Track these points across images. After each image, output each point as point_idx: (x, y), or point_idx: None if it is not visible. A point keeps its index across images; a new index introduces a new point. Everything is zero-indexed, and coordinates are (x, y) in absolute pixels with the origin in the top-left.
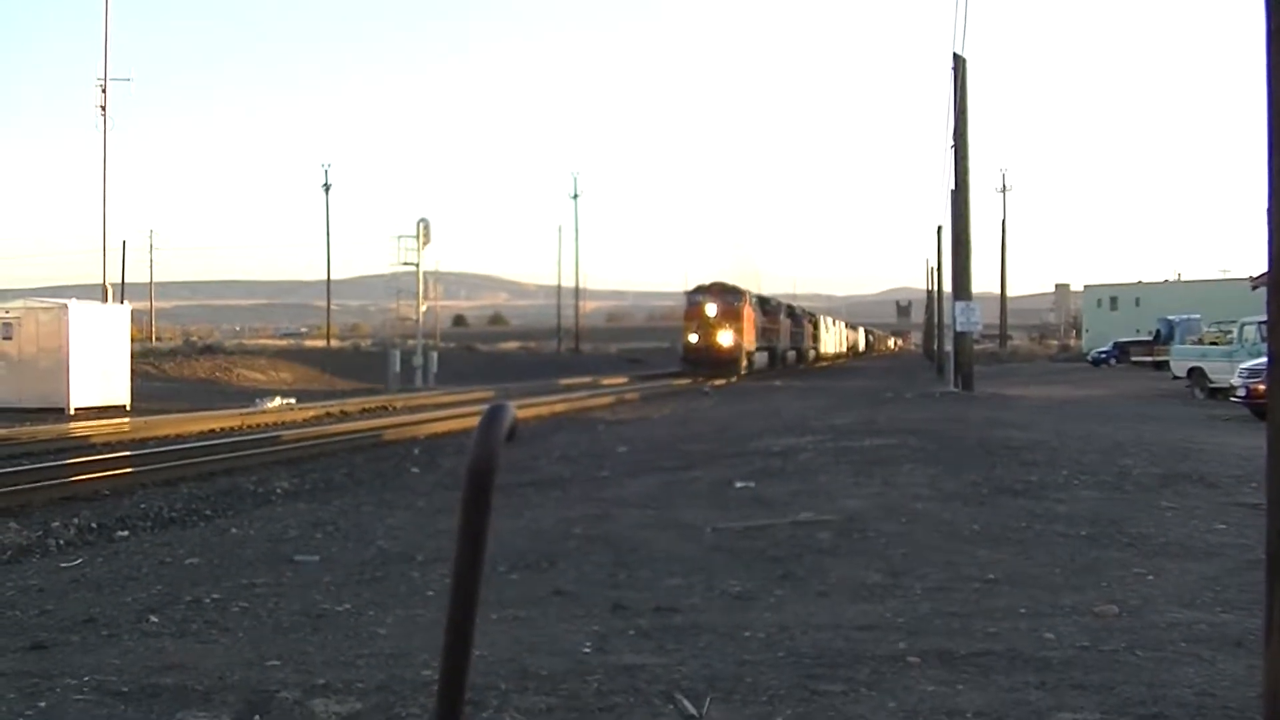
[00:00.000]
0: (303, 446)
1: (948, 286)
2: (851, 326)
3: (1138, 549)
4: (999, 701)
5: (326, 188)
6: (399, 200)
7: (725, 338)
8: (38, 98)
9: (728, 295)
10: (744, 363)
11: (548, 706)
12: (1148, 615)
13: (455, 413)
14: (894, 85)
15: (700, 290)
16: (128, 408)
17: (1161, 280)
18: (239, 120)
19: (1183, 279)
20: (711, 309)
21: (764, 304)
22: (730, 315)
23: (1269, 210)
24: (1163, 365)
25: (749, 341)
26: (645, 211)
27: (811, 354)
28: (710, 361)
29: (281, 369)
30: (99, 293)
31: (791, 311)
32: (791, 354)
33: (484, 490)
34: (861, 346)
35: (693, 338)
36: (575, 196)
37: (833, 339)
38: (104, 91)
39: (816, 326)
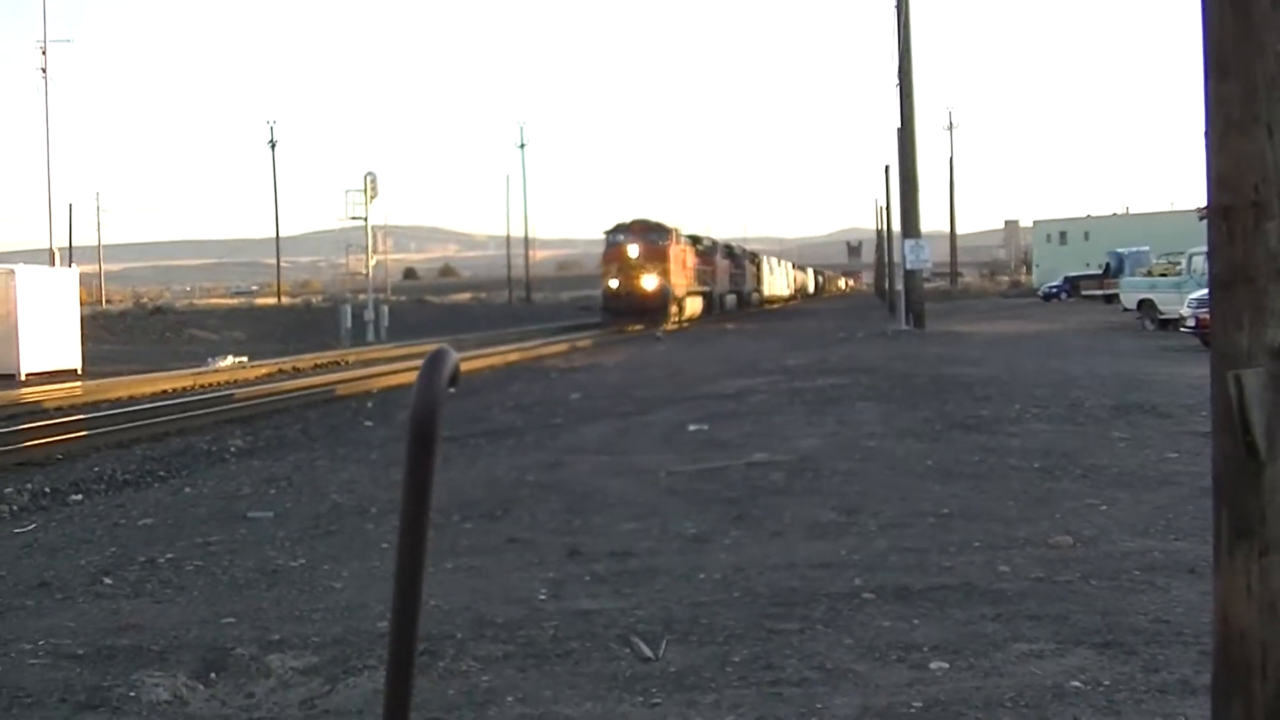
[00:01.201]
0: (256, 404)
1: (897, 226)
2: (800, 268)
3: (1091, 480)
4: (955, 635)
5: (272, 145)
6: (347, 155)
7: (649, 281)
8: None
9: (651, 234)
10: (672, 308)
11: (504, 654)
12: (1102, 545)
13: (408, 366)
14: (839, 24)
15: (620, 229)
16: (79, 371)
17: (1110, 214)
18: (183, 79)
19: (1131, 212)
20: (633, 250)
21: (696, 243)
22: (655, 256)
23: (1206, 136)
24: (1113, 298)
25: (678, 285)
26: (593, 159)
27: (755, 297)
28: (633, 308)
29: (233, 328)
30: (46, 257)
31: (730, 251)
32: (731, 298)
33: (428, 436)
34: (811, 288)
35: (613, 283)
36: (522, 146)
37: (778, 281)
38: (44, 54)
39: (760, 267)
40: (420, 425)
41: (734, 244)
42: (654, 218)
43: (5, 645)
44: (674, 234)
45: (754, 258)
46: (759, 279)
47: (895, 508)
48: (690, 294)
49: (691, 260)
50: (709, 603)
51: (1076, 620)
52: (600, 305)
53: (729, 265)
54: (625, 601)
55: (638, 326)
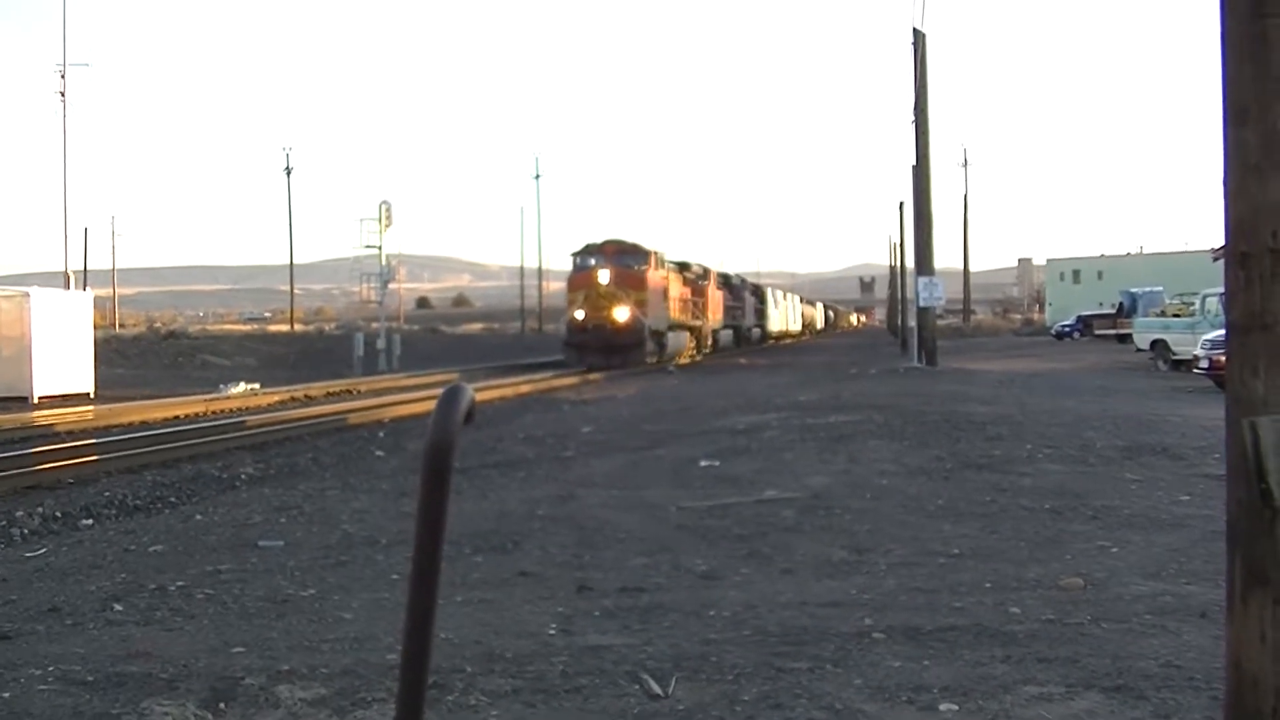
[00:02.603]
0: (267, 431)
1: (911, 262)
2: (809, 302)
3: (1102, 521)
4: (965, 676)
5: (288, 172)
6: (362, 184)
7: (622, 313)
8: None
9: (626, 257)
10: (648, 345)
11: (513, 688)
12: (1113, 588)
13: (419, 395)
14: (856, 63)
15: (589, 251)
16: (92, 395)
17: (1124, 253)
18: (200, 105)
19: (1145, 251)
20: (604, 275)
21: (684, 269)
22: (630, 283)
23: (1225, 182)
24: (1126, 338)
25: (658, 317)
26: (608, 192)
27: (756, 333)
28: (602, 345)
29: (246, 354)
30: (61, 280)
31: (727, 281)
32: (727, 334)
33: (443, 471)
34: (821, 324)
35: (578, 314)
36: (537, 177)
37: (785, 315)
38: (63, 77)
39: (763, 301)
40: (435, 459)
41: (733, 274)
42: (630, 238)
43: (15, 670)
44: (654, 258)
45: (757, 290)
46: (762, 313)
47: (906, 547)
48: (674, 328)
49: (677, 289)
50: (719, 640)
51: (1087, 663)
52: (563, 340)
53: (725, 297)
54: (635, 638)
55: (605, 369)
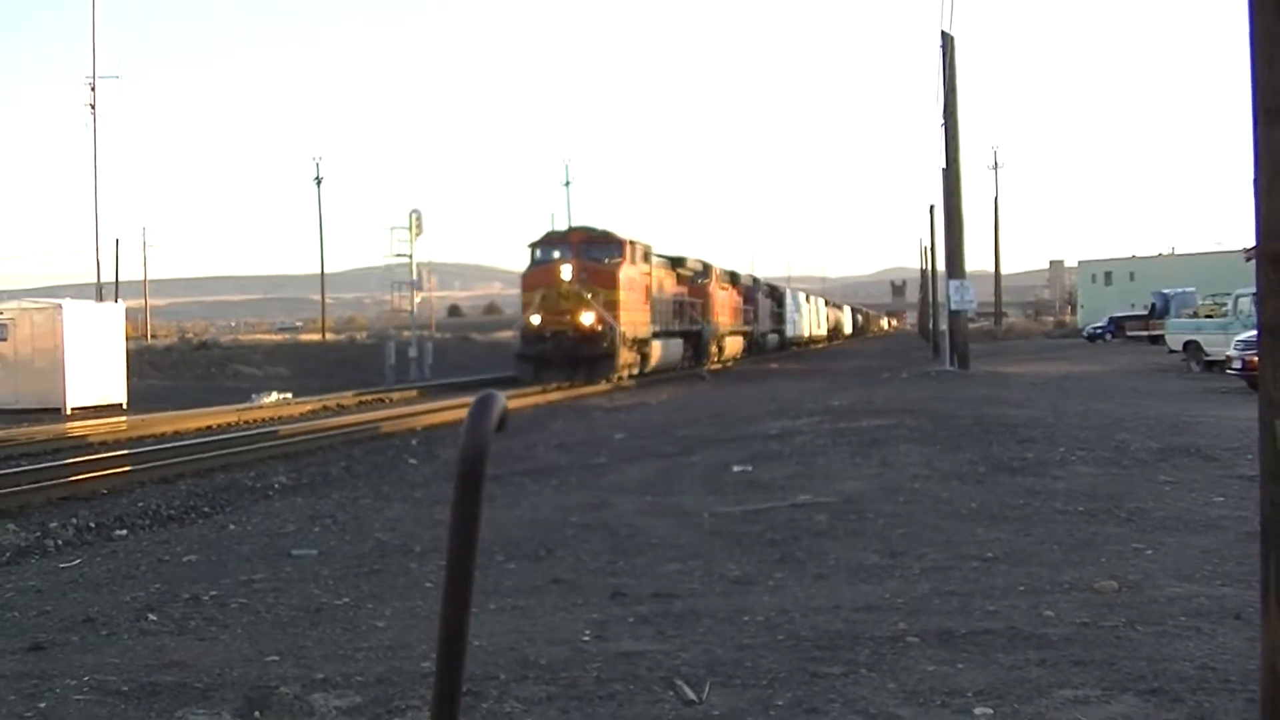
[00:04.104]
0: (300, 441)
1: (942, 265)
2: (836, 305)
3: (1136, 524)
4: (1000, 680)
5: (318, 181)
6: (392, 192)
7: (588, 316)
8: (28, 97)
9: (596, 248)
10: (623, 356)
11: (548, 695)
12: (1147, 590)
13: (451, 403)
14: (885, 65)
15: (550, 241)
16: (124, 406)
17: (1156, 254)
18: (230, 115)
19: (1177, 252)
20: (566, 270)
21: (675, 265)
22: (600, 279)
23: (1255, 182)
24: (1158, 339)
25: (636, 322)
26: (638, 197)
27: (773, 339)
28: (563, 357)
29: (278, 364)
30: (93, 292)
31: (735, 280)
32: (736, 341)
33: (476, 479)
34: (849, 328)
35: (534, 318)
36: (567, 184)
37: (809, 320)
38: (93, 89)
39: (781, 304)
40: (468, 467)
41: (743, 273)
42: (599, 225)
43: (50, 681)
44: (631, 249)
45: (774, 291)
46: (781, 317)
47: (939, 551)
48: (663, 335)
49: (665, 288)
50: (753, 645)
51: (1122, 666)
52: (515, 352)
53: (732, 298)
54: (669, 644)
55: (567, 385)
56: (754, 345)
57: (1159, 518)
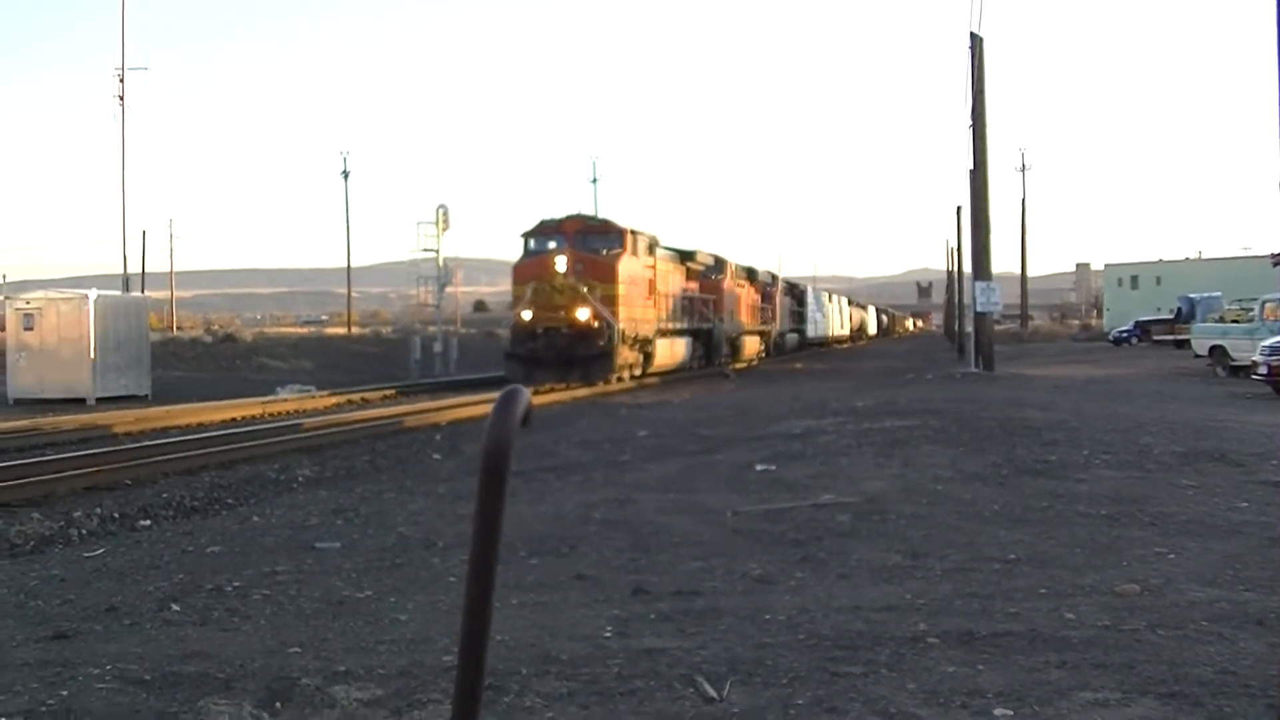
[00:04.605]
0: (324, 434)
1: (968, 267)
2: (860, 305)
3: (1159, 528)
4: (1020, 682)
5: (345, 175)
6: (419, 187)
7: (583, 312)
8: (56, 89)
9: (594, 238)
10: (621, 356)
11: (569, 690)
12: (1169, 594)
13: (476, 398)
14: (914, 67)
15: (544, 230)
16: (149, 397)
17: (1182, 258)
18: (258, 108)
19: (1204, 257)
20: (561, 262)
21: (684, 259)
22: (598, 272)
23: None
24: (1184, 344)
25: (638, 319)
26: (664, 195)
27: (792, 338)
28: (557, 355)
29: (302, 357)
30: (120, 282)
31: (753, 276)
32: (751, 341)
33: (499, 474)
34: (873, 329)
35: (525, 314)
36: (594, 181)
37: (831, 319)
38: (121, 81)
39: (802, 302)
40: (492, 462)
41: (761, 269)
42: (599, 214)
43: (73, 669)
44: (630, 239)
45: (793, 289)
46: (801, 316)
47: (961, 552)
48: (669, 334)
49: (672, 283)
50: (774, 644)
51: (1142, 669)
52: (505, 351)
53: (748, 295)
54: (690, 641)
55: (561, 388)
56: (772, 345)
57: (1182, 522)
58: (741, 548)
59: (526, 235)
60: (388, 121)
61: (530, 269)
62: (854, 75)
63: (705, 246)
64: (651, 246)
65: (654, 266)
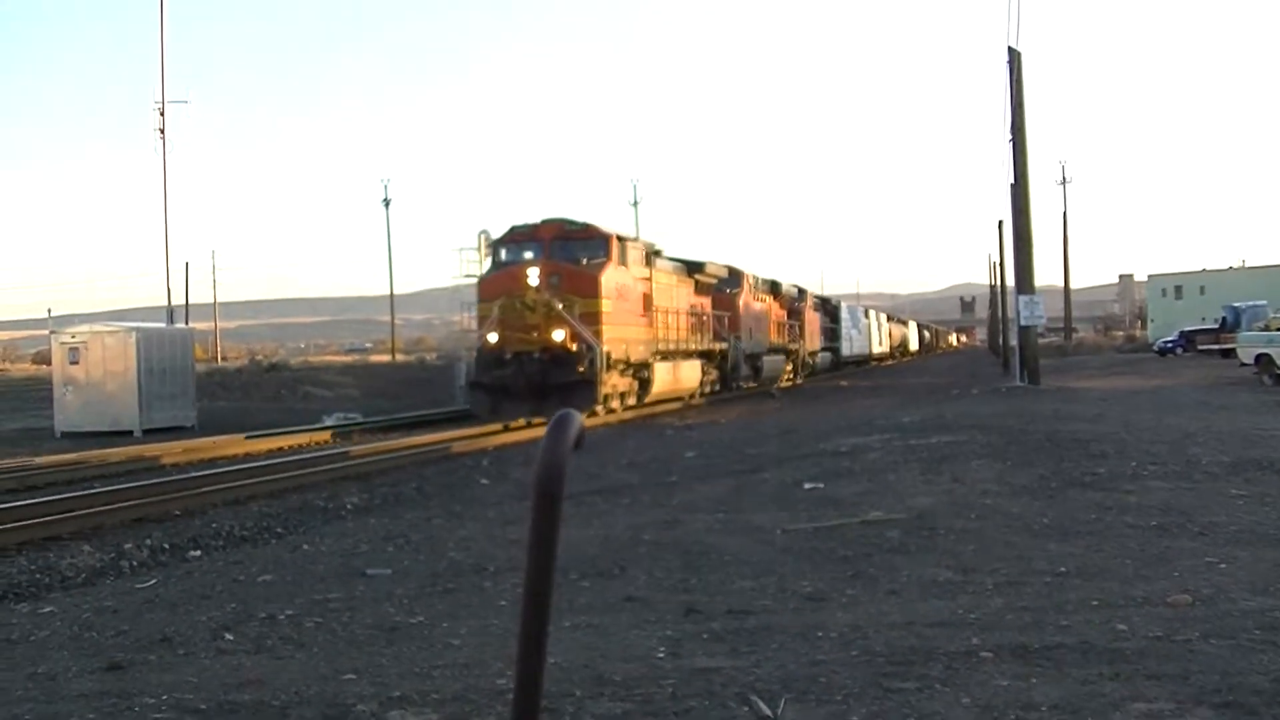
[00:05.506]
0: (371, 461)
1: (1011, 281)
2: (900, 321)
3: (1209, 538)
4: (1074, 694)
5: (386, 203)
6: (460, 213)
7: (559, 333)
8: (99, 123)
9: (574, 245)
10: (607, 383)
11: (623, 712)
12: (1221, 604)
13: (520, 423)
14: (953, 81)
15: (516, 238)
16: (195, 428)
17: (1226, 267)
18: (298, 138)
19: (1247, 265)
20: (533, 274)
21: (695, 271)
22: (578, 286)
23: None
24: (1229, 353)
25: (630, 339)
26: (705, 216)
27: (824, 358)
28: (528, 383)
29: (347, 385)
30: (163, 314)
31: (776, 290)
32: (775, 359)
33: (553, 498)
34: (914, 344)
35: (493, 335)
36: (635, 204)
37: (866, 336)
38: (162, 114)
39: (836, 319)
40: (545, 486)
41: (785, 282)
42: (579, 217)
43: (129, 699)
44: (617, 246)
45: (826, 305)
46: (835, 333)
47: (1012, 566)
48: (667, 356)
49: (672, 297)
50: (827, 661)
51: (1196, 680)
52: (468, 379)
53: (772, 311)
54: (743, 660)
55: (538, 422)
56: (801, 365)
57: (1232, 532)
58: (792, 566)
59: (496, 243)
60: (429, 148)
61: (498, 283)
62: (895, 93)
63: (750, 267)
64: (648, 256)
65: (649, 278)
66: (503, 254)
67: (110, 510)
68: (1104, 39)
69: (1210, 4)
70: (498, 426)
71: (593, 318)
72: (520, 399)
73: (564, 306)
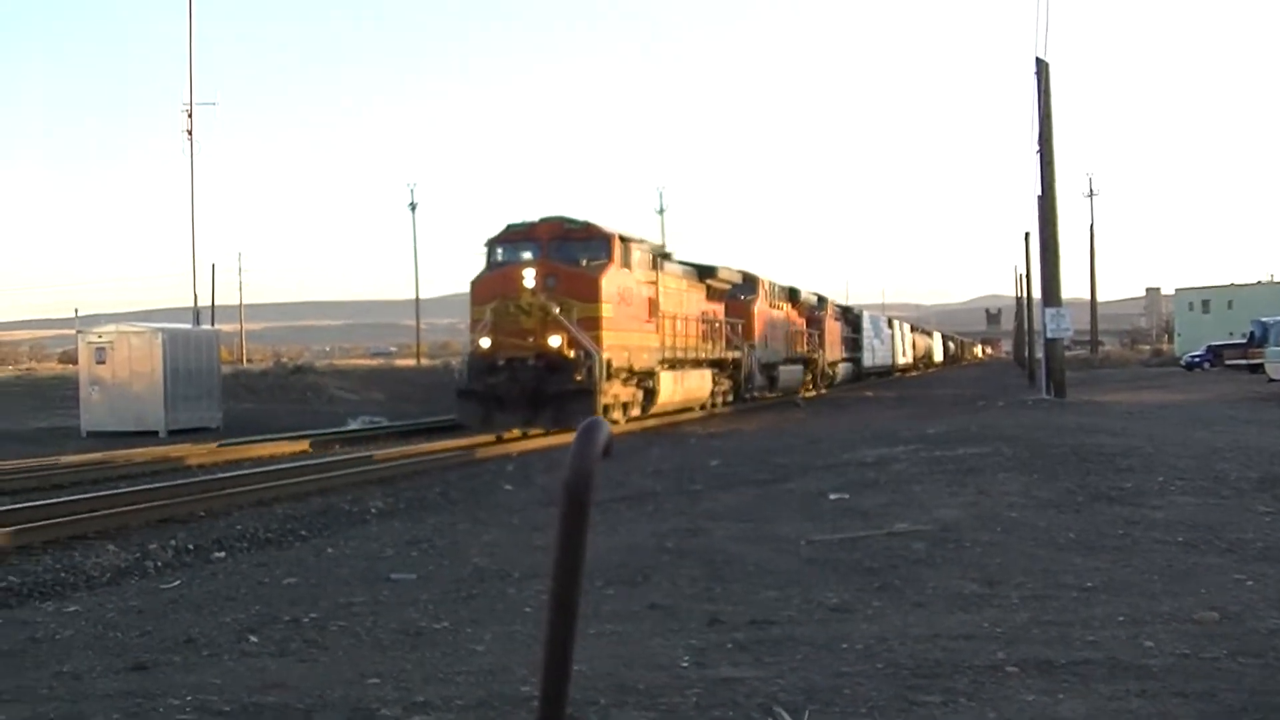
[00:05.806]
0: (395, 465)
1: (1037, 293)
2: (924, 332)
3: (1236, 554)
4: (1100, 710)
5: (412, 206)
6: (485, 219)
7: (555, 339)
8: (126, 124)
9: (573, 245)
10: (607, 393)
11: None
12: (1248, 621)
13: (544, 429)
14: (980, 92)
15: (511, 236)
16: (220, 429)
17: (1254, 281)
18: (325, 140)
19: (1276, 280)
20: (529, 276)
21: (705, 276)
22: (577, 289)
23: None
24: (1257, 368)
25: (633, 347)
26: (731, 224)
27: (845, 368)
28: (523, 392)
29: (372, 389)
30: (189, 315)
31: (793, 297)
32: (792, 369)
33: (581, 505)
34: (938, 355)
35: (485, 341)
36: (661, 212)
37: (890, 346)
38: (189, 116)
39: (857, 329)
40: (574, 491)
41: (803, 290)
42: (580, 215)
43: (154, 700)
44: (619, 247)
45: (848, 314)
46: (856, 344)
47: (1037, 580)
48: (674, 365)
49: (681, 302)
50: (851, 673)
51: (1223, 698)
52: (457, 388)
53: (789, 319)
54: (767, 670)
55: (535, 433)
56: (820, 375)
57: (1260, 548)
58: (816, 577)
59: (491, 243)
60: (455, 152)
61: (492, 285)
62: (923, 104)
63: (769, 274)
64: (655, 258)
65: (656, 282)
66: (498, 254)
67: (135, 510)
68: (1132, 51)
69: (1238, 17)
70: (521, 432)
71: (592, 323)
72: (513, 408)
73: (561, 310)
